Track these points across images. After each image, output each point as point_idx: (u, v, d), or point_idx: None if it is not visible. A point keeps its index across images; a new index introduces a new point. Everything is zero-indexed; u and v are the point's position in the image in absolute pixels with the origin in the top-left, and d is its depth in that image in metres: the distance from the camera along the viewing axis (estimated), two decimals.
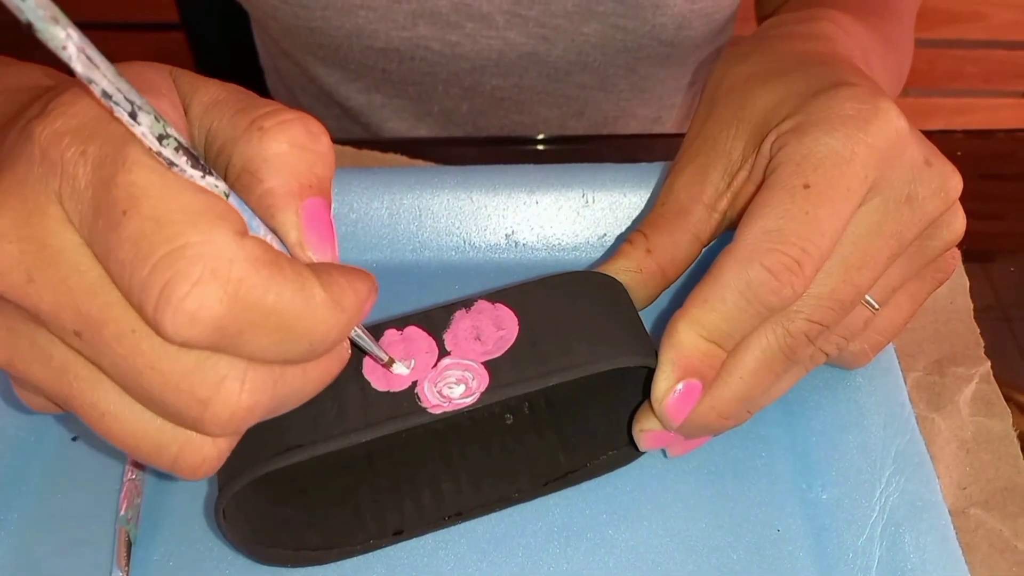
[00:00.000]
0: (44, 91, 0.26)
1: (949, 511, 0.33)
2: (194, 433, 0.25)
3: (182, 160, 0.22)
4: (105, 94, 0.21)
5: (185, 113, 0.26)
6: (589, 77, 0.61)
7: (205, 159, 0.25)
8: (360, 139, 0.49)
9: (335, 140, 0.48)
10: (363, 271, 0.25)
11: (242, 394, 0.23)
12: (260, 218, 0.24)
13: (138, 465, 0.34)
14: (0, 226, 0.23)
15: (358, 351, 0.29)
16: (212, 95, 0.26)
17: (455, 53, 0.59)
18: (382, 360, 0.29)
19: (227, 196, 0.23)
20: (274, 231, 0.25)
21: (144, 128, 0.22)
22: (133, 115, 0.21)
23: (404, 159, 0.47)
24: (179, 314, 0.22)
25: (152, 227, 0.22)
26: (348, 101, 0.64)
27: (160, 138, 0.22)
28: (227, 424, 0.24)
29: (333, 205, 0.41)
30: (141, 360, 0.23)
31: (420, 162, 0.47)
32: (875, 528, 0.32)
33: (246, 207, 0.24)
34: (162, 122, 0.22)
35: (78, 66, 0.20)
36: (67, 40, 0.20)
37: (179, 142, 0.22)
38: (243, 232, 0.23)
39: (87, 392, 0.25)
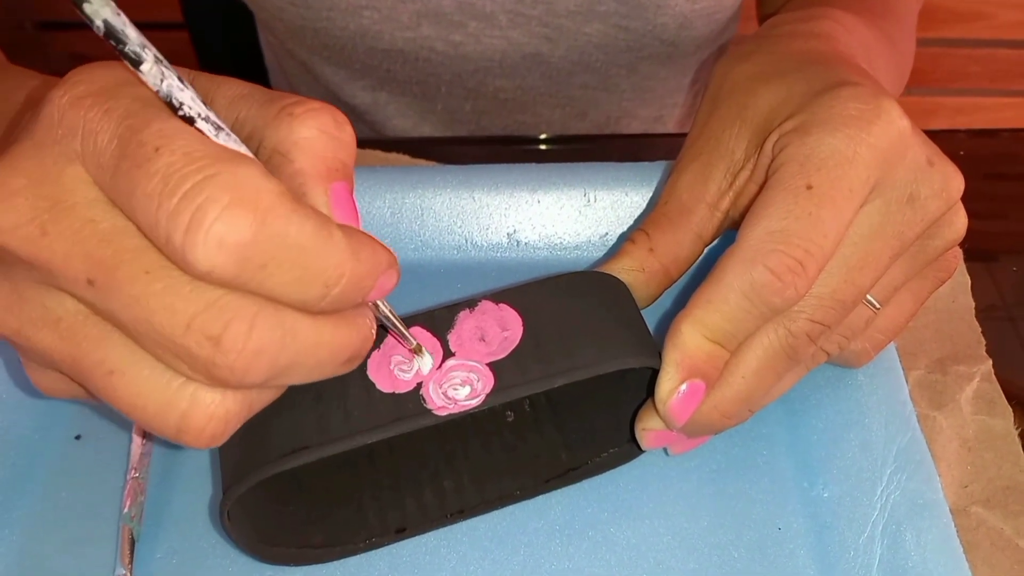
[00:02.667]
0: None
1: (950, 509, 0.33)
2: (201, 390, 0.25)
3: (211, 128, 0.24)
4: (112, 34, 0.22)
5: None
6: (591, 77, 0.62)
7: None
8: (363, 138, 0.49)
9: None
10: (386, 247, 0.26)
11: (251, 335, 0.23)
12: None
13: (143, 458, 0.34)
14: (15, 184, 0.24)
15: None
16: (236, 90, 0.27)
17: (458, 53, 0.59)
18: (410, 344, 0.29)
19: None
20: None
21: (151, 68, 0.23)
22: (139, 60, 0.23)
23: (407, 158, 0.47)
24: (209, 237, 0.22)
25: (183, 161, 0.22)
26: (353, 99, 0.64)
27: (188, 107, 0.24)
28: (235, 365, 0.23)
29: None
30: (154, 300, 0.23)
31: (423, 161, 0.47)
32: (876, 526, 0.32)
33: None
34: (193, 92, 0.24)
35: (91, 7, 0.22)
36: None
37: (209, 114, 0.24)
38: (268, 173, 0.23)
39: (95, 350, 0.25)
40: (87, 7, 0.22)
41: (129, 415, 0.25)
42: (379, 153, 0.47)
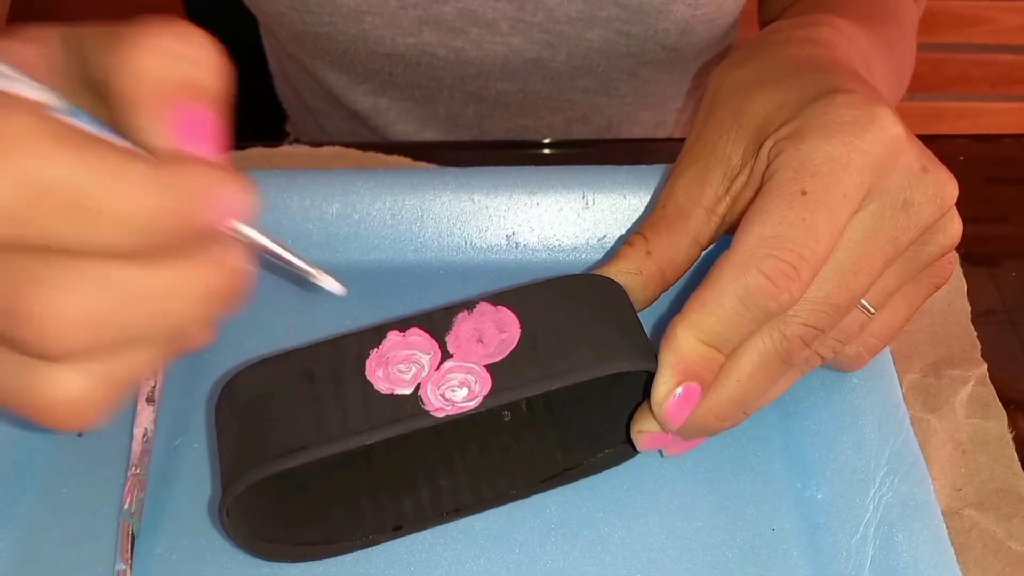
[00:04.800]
0: None
1: (944, 512, 0.33)
2: (42, 374, 0.22)
3: None
4: None
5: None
6: (593, 82, 0.62)
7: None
8: (365, 142, 0.49)
9: (341, 143, 0.49)
10: (227, 167, 0.22)
11: (48, 299, 0.20)
12: (120, 135, 0.22)
13: (144, 455, 0.35)
14: None
15: (350, 347, 0.30)
16: (95, 27, 0.23)
17: (460, 59, 0.59)
18: (308, 272, 0.25)
19: (69, 113, 0.21)
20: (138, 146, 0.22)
21: None
22: None
23: (408, 161, 0.47)
24: None
25: None
26: (355, 104, 0.65)
27: None
28: (59, 337, 0.20)
29: (336, 205, 0.42)
30: None
31: (423, 164, 0.47)
32: (868, 527, 0.32)
33: (97, 124, 0.22)
34: None
35: None
36: None
37: None
38: (43, 114, 0.20)
39: None
40: None
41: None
42: (380, 156, 0.48)
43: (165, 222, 0.21)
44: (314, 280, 0.26)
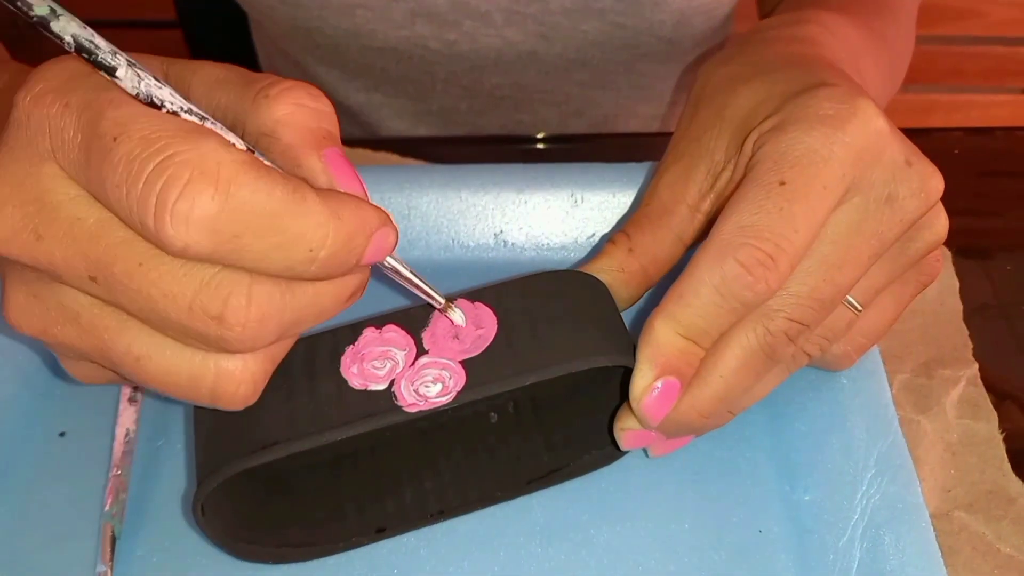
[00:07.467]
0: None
1: (933, 514, 0.33)
2: (223, 360, 0.26)
3: (196, 120, 0.24)
4: (82, 48, 0.23)
5: (188, 96, 0.27)
6: (588, 75, 0.61)
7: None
8: (353, 138, 0.49)
9: None
10: (377, 206, 0.27)
11: (250, 307, 0.24)
12: (286, 172, 0.25)
13: (126, 456, 0.34)
14: (1, 194, 0.25)
15: (326, 344, 0.30)
16: (213, 75, 0.27)
17: (453, 52, 0.58)
18: (438, 303, 0.30)
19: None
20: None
21: (125, 73, 0.24)
22: (113, 67, 0.24)
23: (395, 157, 0.47)
24: (175, 217, 0.23)
25: (141, 146, 0.23)
26: (347, 100, 0.64)
27: (168, 103, 0.24)
28: (243, 336, 0.25)
29: None
30: (154, 290, 0.24)
31: (411, 160, 0.47)
32: (856, 530, 0.32)
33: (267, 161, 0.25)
34: (171, 88, 0.24)
35: (59, 24, 0.23)
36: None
37: (191, 107, 0.24)
38: (230, 145, 0.24)
39: (118, 340, 0.26)
40: (55, 25, 0.23)
41: (163, 391, 0.27)
42: (367, 152, 0.47)
43: (341, 251, 0.25)
44: (440, 309, 0.31)
